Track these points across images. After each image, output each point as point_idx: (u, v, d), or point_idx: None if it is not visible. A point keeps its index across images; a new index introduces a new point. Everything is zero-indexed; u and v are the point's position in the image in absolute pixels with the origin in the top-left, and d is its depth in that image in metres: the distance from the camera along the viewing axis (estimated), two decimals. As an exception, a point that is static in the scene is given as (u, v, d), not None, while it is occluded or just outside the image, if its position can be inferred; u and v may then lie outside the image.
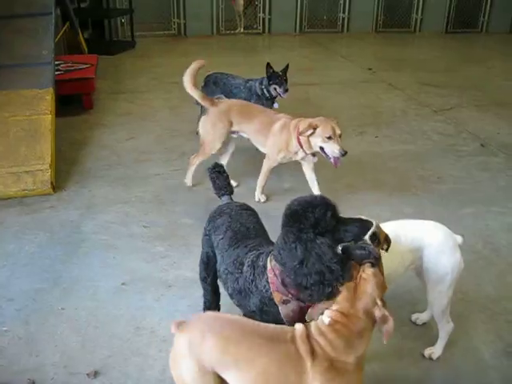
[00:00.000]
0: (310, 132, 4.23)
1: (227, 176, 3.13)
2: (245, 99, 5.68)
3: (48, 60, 5.89)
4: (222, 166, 3.16)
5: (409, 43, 12.55)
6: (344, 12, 12.71)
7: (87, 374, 2.85)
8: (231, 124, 4.77)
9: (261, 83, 5.56)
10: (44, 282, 3.59)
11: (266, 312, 2.37)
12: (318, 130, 4.22)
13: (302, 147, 4.41)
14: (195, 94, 4.81)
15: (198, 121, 6.11)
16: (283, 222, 2.26)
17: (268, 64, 5.53)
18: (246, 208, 2.91)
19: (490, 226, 4.49)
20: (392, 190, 5.02)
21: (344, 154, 4.20)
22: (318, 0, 12.60)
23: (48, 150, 4.94)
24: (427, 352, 3.08)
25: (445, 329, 3.03)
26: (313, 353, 2.02)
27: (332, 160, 4.27)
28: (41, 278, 3.63)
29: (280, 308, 2.32)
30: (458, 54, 11.38)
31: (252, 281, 2.42)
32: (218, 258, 2.72)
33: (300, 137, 4.35)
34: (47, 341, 3.08)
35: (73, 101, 6.77)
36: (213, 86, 5.87)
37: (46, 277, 3.64)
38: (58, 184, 4.87)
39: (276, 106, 5.67)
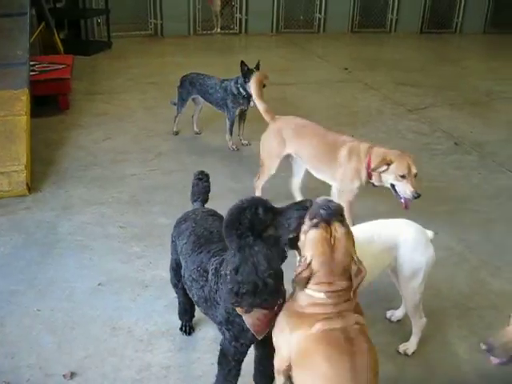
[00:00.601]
0: (383, 169, 3.78)
1: (207, 185, 3.08)
2: (221, 99, 5.70)
3: (23, 60, 5.85)
4: (206, 174, 3.10)
5: (384, 43, 12.65)
6: (320, 12, 12.76)
7: (63, 375, 2.85)
8: (285, 144, 4.33)
9: (236, 82, 5.57)
10: (19, 284, 3.57)
11: (231, 322, 2.34)
12: (391, 167, 3.74)
13: (370, 179, 3.96)
14: (260, 105, 4.44)
15: (175, 121, 6.16)
16: (224, 235, 2.22)
17: (242, 62, 5.54)
18: (213, 214, 2.89)
19: (464, 223, 4.56)
20: (367, 189, 5.04)
21: (417, 196, 3.74)
22: (295, 0, 12.63)
23: (23, 150, 4.89)
24: (402, 348, 3.12)
25: (418, 324, 3.08)
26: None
27: (402, 200, 3.81)
28: (16, 280, 3.60)
29: (244, 318, 2.28)
30: (432, 54, 11.49)
31: (216, 291, 2.38)
32: (183, 263, 2.70)
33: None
34: (22, 342, 3.07)
35: (49, 101, 6.72)
36: (189, 86, 5.88)
37: (21, 278, 3.62)
38: (33, 185, 4.84)
39: (252, 104, 5.69)
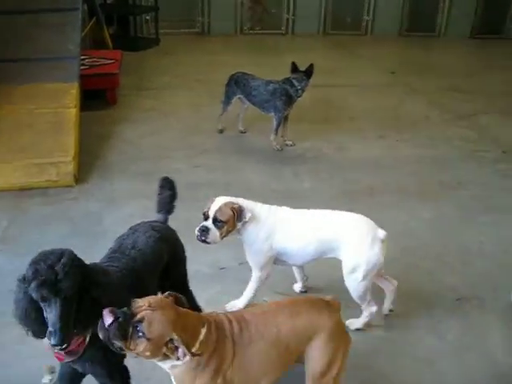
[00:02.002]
0: None
1: (172, 194, 2.92)
2: (265, 101, 5.69)
3: (74, 55, 5.99)
4: (170, 181, 2.94)
5: (433, 47, 12.46)
6: (368, 14, 12.66)
7: None
8: None
9: (291, 85, 5.57)
10: (64, 272, 3.64)
11: None
12: None
13: None
14: None
15: (220, 119, 6.19)
16: (27, 272, 2.00)
17: (311, 64, 5.60)
18: (159, 230, 2.72)
19: (507, 235, 4.44)
20: (411, 194, 5.01)
21: None
22: (343, 2, 12.56)
23: (72, 142, 5.01)
24: (347, 322, 3.05)
25: (367, 309, 3.16)
26: None
27: None
28: (61, 268, 3.69)
29: None
30: (482, 60, 11.28)
31: None
32: None
33: None
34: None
35: (97, 96, 6.84)
36: (234, 85, 5.88)
37: (66, 267, 3.70)
38: (80, 176, 4.94)
39: None
